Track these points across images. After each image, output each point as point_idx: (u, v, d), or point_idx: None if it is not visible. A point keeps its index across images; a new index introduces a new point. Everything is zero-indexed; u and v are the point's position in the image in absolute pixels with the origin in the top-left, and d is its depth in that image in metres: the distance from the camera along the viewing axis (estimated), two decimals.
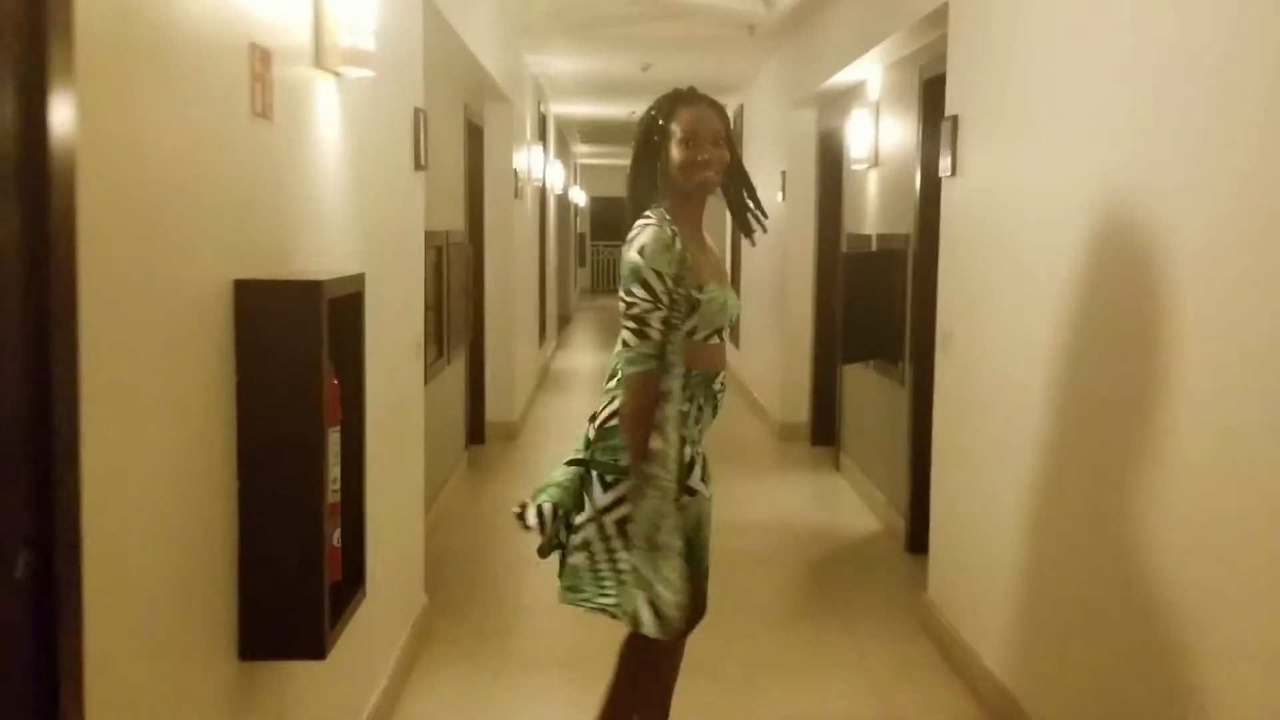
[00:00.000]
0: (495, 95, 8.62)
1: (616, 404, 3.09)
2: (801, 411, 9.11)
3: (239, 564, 2.43)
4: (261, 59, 2.55)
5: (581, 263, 26.04)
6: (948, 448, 4.73)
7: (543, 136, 12.26)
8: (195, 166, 2.22)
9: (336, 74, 3.21)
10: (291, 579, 2.44)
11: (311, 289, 2.41)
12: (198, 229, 2.23)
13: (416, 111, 4.52)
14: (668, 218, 3.13)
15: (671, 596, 3.00)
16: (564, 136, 17.52)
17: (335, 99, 3.24)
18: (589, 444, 3.13)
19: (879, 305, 6.51)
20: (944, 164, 4.66)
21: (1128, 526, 3.08)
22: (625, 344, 3.06)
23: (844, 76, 7.24)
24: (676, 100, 3.23)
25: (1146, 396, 2.99)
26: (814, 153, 8.92)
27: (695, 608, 3.26)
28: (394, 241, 4.20)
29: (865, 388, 7.16)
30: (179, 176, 2.14)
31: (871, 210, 7.02)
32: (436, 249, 6.49)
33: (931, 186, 5.67)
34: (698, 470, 3.15)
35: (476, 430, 8.65)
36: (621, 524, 3.05)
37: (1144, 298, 3.01)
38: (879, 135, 6.82)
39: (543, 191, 12.53)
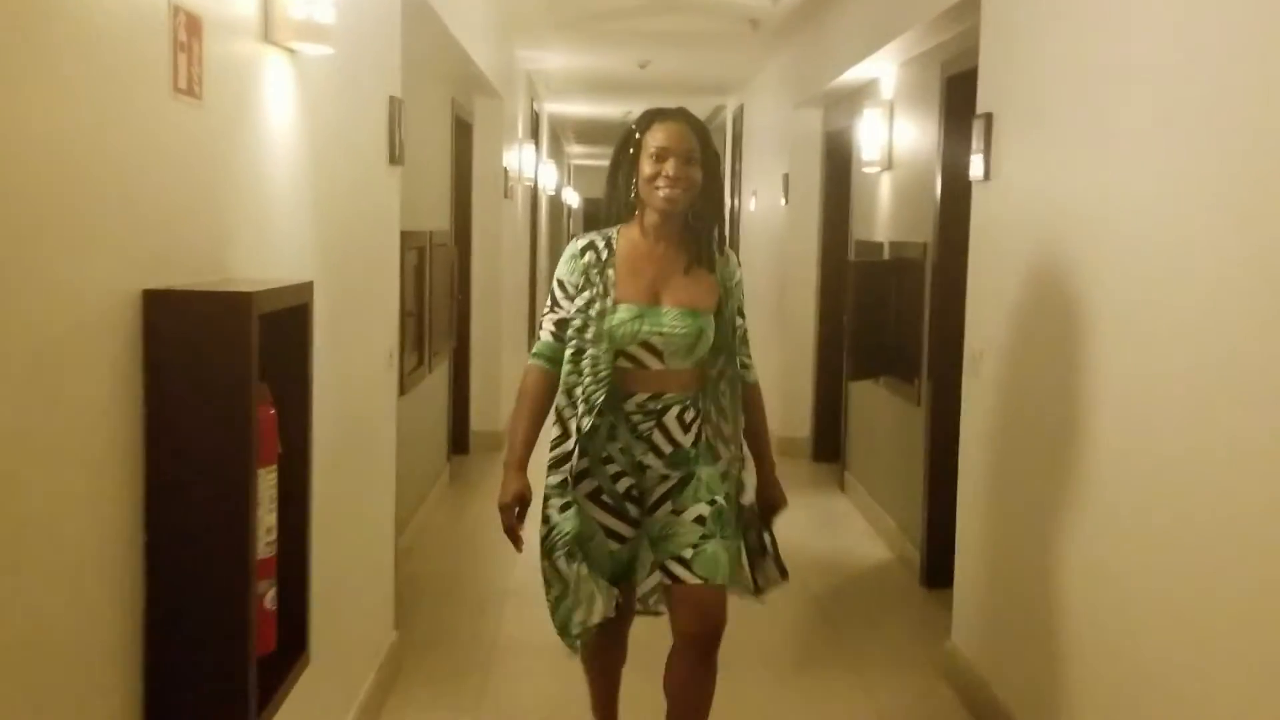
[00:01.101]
0: (485, 90, 8.18)
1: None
2: (803, 426, 8.67)
3: (145, 638, 1.98)
4: (188, 26, 2.11)
5: None
6: (977, 479, 4.30)
7: (535, 135, 11.83)
8: (88, 152, 1.78)
9: (290, 50, 2.77)
10: (210, 653, 1.99)
11: (238, 302, 1.97)
12: (91, 229, 1.79)
13: (392, 100, 4.08)
14: (612, 232, 3.27)
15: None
16: (557, 136, 17.10)
17: (289, 79, 2.81)
18: None
19: (891, 319, 6.08)
20: (975, 167, 4.23)
21: (1203, 577, 2.65)
22: None
23: (855, 74, 6.81)
24: (655, 115, 3.25)
25: (1227, 439, 2.56)
26: (819, 155, 8.48)
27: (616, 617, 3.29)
28: (363, 243, 3.76)
29: (875, 405, 6.73)
30: (62, 164, 1.70)
31: (884, 216, 6.58)
32: (418, 250, 6.06)
33: (955, 192, 5.25)
34: (588, 485, 3.23)
35: (460, 440, 8.21)
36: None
37: (1223, 323, 2.58)
38: (893, 136, 6.39)
39: (534, 192, 12.10)
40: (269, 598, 2.17)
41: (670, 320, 3.16)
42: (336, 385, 3.36)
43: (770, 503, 3.42)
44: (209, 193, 2.29)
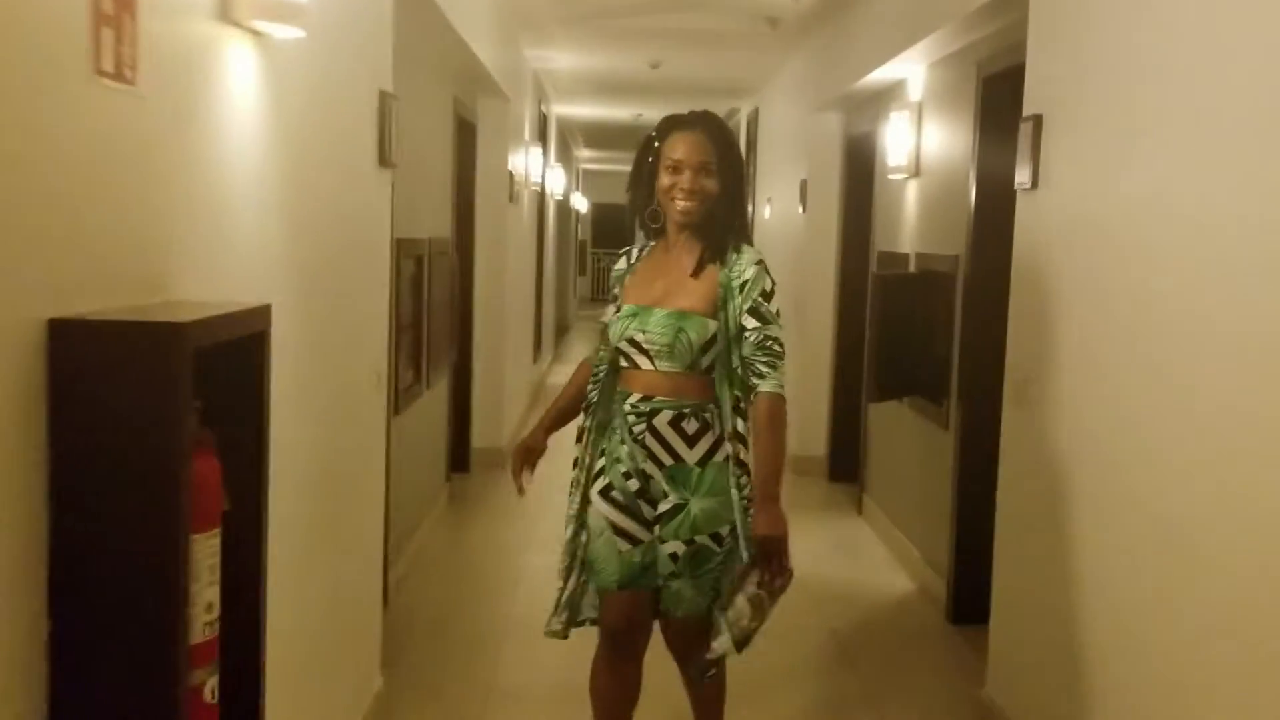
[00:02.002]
0: (490, 90, 7.82)
1: None
2: (819, 444, 8.30)
3: None
4: None
5: (582, 271, 25.25)
6: (1019, 516, 3.92)
7: (543, 138, 11.47)
8: None
9: (255, 32, 2.41)
10: None
11: (166, 334, 1.60)
12: None
13: (383, 95, 3.72)
14: (650, 242, 3.35)
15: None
16: (566, 139, 16.73)
17: (254, 67, 2.44)
18: None
19: (918, 335, 5.70)
20: (1021, 174, 3.85)
21: None
22: None
23: (880, 75, 6.43)
24: (674, 124, 3.25)
25: None
26: (839, 161, 8.11)
27: (609, 625, 3.27)
28: (347, 253, 3.40)
29: (897, 426, 6.35)
30: None
31: (910, 226, 6.21)
32: (415, 259, 5.70)
33: (991, 200, 4.89)
34: (601, 482, 3.25)
35: (460, 458, 7.83)
36: None
37: None
38: (921, 141, 6.02)
39: (542, 196, 11.73)
40: (209, 688, 1.80)
41: (656, 320, 3.16)
42: (314, 414, 3.00)
43: (755, 535, 3.04)
44: (146, 198, 1.92)
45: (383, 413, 3.97)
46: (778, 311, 3.15)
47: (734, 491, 3.12)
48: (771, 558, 2.99)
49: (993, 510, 4.23)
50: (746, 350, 3.09)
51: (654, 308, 3.19)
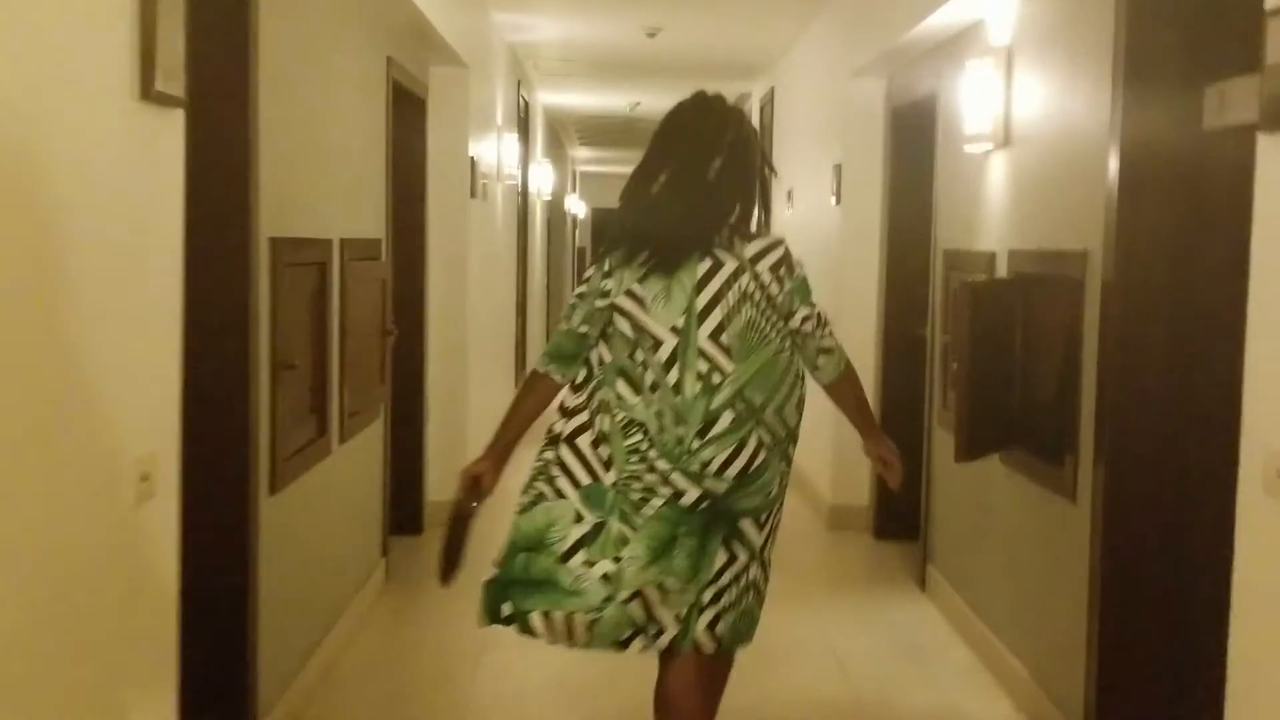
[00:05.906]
0: (444, 56, 6.22)
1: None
2: (860, 491, 6.65)
3: None
4: None
5: (580, 281, 23.62)
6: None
7: (526, 128, 9.87)
8: None
9: None
10: None
11: None
12: None
13: None
14: None
15: None
16: (558, 135, 15.12)
17: None
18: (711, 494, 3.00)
19: (1021, 366, 4.07)
20: (1268, 109, 2.23)
21: None
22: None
23: (942, 18, 4.83)
24: None
25: None
26: (882, 137, 6.49)
27: None
28: (31, 268, 1.79)
29: (980, 480, 4.69)
30: None
31: (997, 215, 4.56)
32: (317, 267, 4.10)
33: (1148, 169, 3.30)
34: None
35: (407, 518, 6.20)
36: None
37: None
38: (1011, 99, 4.39)
39: (524, 194, 10.12)
40: None
41: None
42: None
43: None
44: None
45: (170, 525, 2.34)
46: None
47: None
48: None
49: (1158, 634, 2.70)
50: None
51: None
